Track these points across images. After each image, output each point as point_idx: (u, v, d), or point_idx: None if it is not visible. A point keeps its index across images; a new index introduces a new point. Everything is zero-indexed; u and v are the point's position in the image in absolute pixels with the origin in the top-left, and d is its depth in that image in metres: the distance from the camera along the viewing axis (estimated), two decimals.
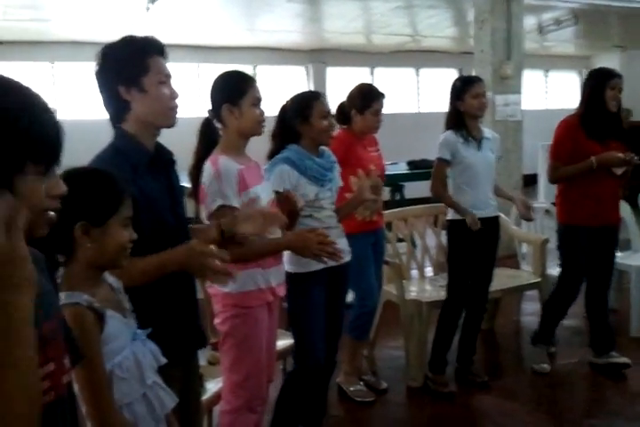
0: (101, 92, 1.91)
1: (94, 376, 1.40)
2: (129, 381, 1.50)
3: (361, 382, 3.67)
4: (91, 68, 1.93)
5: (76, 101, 8.94)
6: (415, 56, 11.38)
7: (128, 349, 1.52)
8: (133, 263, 1.69)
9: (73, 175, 1.46)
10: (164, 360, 1.62)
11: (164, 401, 1.59)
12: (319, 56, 10.83)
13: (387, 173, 4.01)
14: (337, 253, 2.41)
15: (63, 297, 1.39)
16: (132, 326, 1.57)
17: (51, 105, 1.04)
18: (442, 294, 3.72)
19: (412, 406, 3.62)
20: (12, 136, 0.95)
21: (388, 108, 3.62)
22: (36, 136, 0.98)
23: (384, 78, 11.38)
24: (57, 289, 1.25)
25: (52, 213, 1.06)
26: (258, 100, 2.44)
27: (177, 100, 1.95)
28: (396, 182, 7.00)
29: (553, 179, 3.77)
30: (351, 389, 3.61)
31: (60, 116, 1.10)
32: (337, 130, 3.30)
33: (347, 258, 2.91)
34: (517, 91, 6.67)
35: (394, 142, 6.29)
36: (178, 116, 1.97)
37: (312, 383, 2.89)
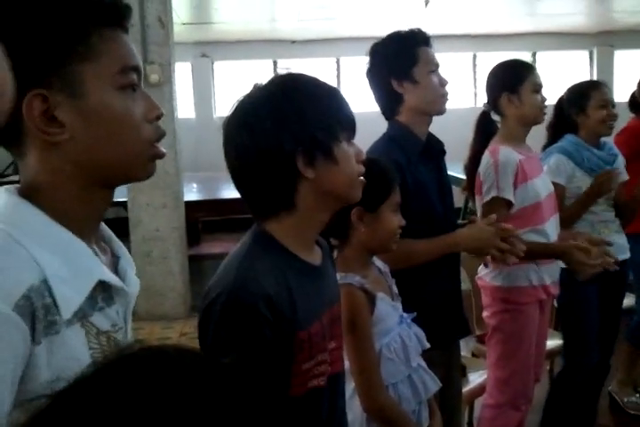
0: (374, 87, 2.03)
1: (365, 353, 1.48)
2: (395, 362, 1.55)
3: (637, 394, 3.37)
4: None
5: (359, 94, 9.42)
6: None
7: (395, 331, 1.57)
8: (406, 245, 1.75)
9: None
10: (427, 345, 1.65)
11: (428, 384, 1.62)
12: (605, 39, 10.02)
13: None
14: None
15: (338, 278, 1.49)
16: (398, 309, 1.63)
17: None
18: None
19: None
20: (329, 112, 1.14)
21: None
22: (343, 110, 1.17)
23: None
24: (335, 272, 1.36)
25: (362, 178, 1.20)
26: (539, 87, 2.36)
27: (447, 88, 2.00)
28: None
29: None
30: (625, 399, 3.33)
31: None
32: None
33: (624, 256, 2.73)
34: None
35: None
36: (454, 106, 2.00)
37: (582, 384, 2.74)
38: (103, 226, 0.93)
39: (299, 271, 1.13)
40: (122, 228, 4.43)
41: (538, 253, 2.26)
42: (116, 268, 0.90)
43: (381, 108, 2.05)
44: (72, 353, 0.77)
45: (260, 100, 1.12)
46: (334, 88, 1.19)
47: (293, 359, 1.09)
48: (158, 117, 0.89)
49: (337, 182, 1.15)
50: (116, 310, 0.86)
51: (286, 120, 1.09)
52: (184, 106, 8.16)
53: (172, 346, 0.54)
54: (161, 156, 0.90)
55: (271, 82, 1.15)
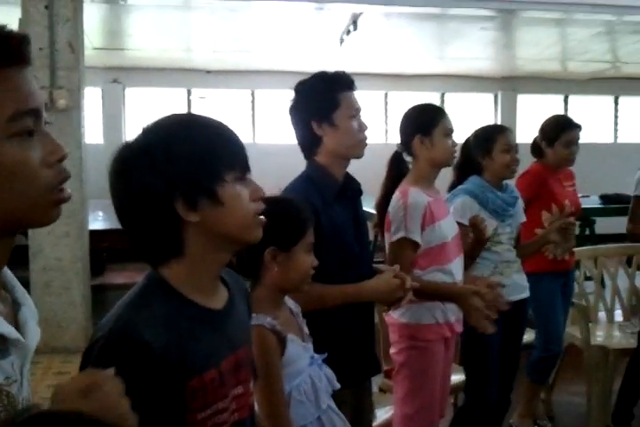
0: (295, 125, 2.04)
1: (274, 396, 1.46)
2: (305, 404, 1.54)
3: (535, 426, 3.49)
4: (287, 95, 2.06)
5: (273, 126, 9.47)
6: (614, 83, 10.71)
7: (305, 372, 1.56)
8: (315, 289, 1.75)
9: (266, 203, 1.55)
10: (338, 385, 1.65)
11: (337, 426, 1.61)
12: (510, 83, 10.57)
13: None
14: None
15: None
16: (309, 351, 1.62)
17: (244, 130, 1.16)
18: (632, 342, 3.42)
19: None
20: (209, 152, 1.08)
21: (583, 137, 3.44)
22: (229, 149, 1.11)
23: (579, 106, 10.84)
24: (250, 314, 1.33)
25: (262, 217, 1.15)
26: (450, 131, 2.44)
27: (366, 132, 2.02)
28: (586, 217, 6.60)
29: None
30: None
31: (258, 140, 1.24)
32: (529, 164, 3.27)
33: (523, 295, 2.86)
34: None
35: (586, 174, 5.94)
36: (367, 141, 2.05)
37: (483, 420, 2.80)
38: (5, 272, 0.87)
39: (193, 318, 1.09)
40: (21, 256, 4.24)
41: (436, 295, 2.32)
42: (16, 316, 0.85)
43: (301, 148, 2.07)
44: None
45: (136, 145, 1.10)
46: (222, 126, 1.13)
47: (186, 409, 1.05)
48: (61, 160, 0.83)
49: (226, 224, 1.10)
50: (10, 362, 0.80)
51: (157, 164, 1.06)
52: (93, 131, 7.98)
53: (68, 412, 0.51)
54: (65, 200, 0.84)
55: (155, 124, 1.12)
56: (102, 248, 5.57)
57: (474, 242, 2.59)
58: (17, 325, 0.83)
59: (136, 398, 0.98)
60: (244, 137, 1.18)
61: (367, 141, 2.06)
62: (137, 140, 1.10)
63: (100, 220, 6.34)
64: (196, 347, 1.07)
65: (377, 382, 2.85)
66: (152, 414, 0.97)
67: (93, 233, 4.94)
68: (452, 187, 2.90)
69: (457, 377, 2.90)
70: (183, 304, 1.09)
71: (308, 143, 2.02)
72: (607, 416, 3.45)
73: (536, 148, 3.42)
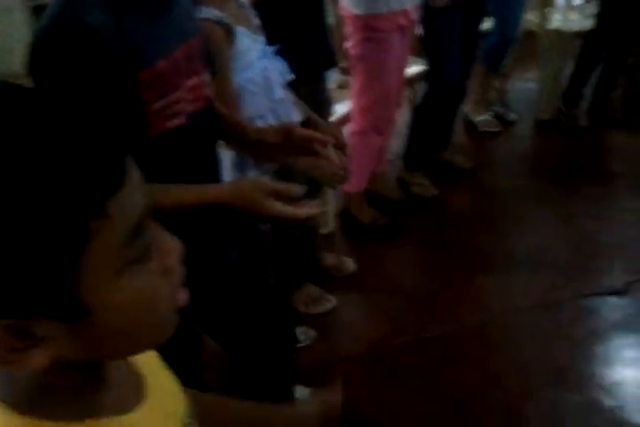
0: None
1: (224, 86, 1.47)
2: (258, 95, 1.58)
3: (489, 113, 3.67)
4: None
5: None
6: None
7: (257, 64, 1.57)
8: None
9: None
10: (290, 76, 1.67)
11: (292, 116, 1.67)
12: None
13: None
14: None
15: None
16: (260, 43, 1.61)
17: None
18: (589, 24, 3.43)
19: (539, 139, 3.62)
20: None
21: None
22: None
23: None
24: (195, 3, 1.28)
25: None
26: None
27: None
28: None
29: None
30: (478, 118, 3.62)
31: None
32: None
33: None
34: None
35: None
36: None
37: (441, 108, 2.91)
38: None
39: (137, 5, 1.04)
40: None
41: None
42: None
43: None
44: None
45: None
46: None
47: (141, 100, 1.06)
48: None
49: None
50: None
51: None
52: None
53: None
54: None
55: None
56: None
57: None
58: None
59: (87, 102, 0.98)
60: None
61: None
62: None
63: None
64: (145, 35, 1.04)
65: (335, 79, 2.89)
66: (109, 104, 0.99)
67: None
68: None
69: (413, 68, 2.94)
70: None
71: None
72: (558, 99, 3.63)
73: None
